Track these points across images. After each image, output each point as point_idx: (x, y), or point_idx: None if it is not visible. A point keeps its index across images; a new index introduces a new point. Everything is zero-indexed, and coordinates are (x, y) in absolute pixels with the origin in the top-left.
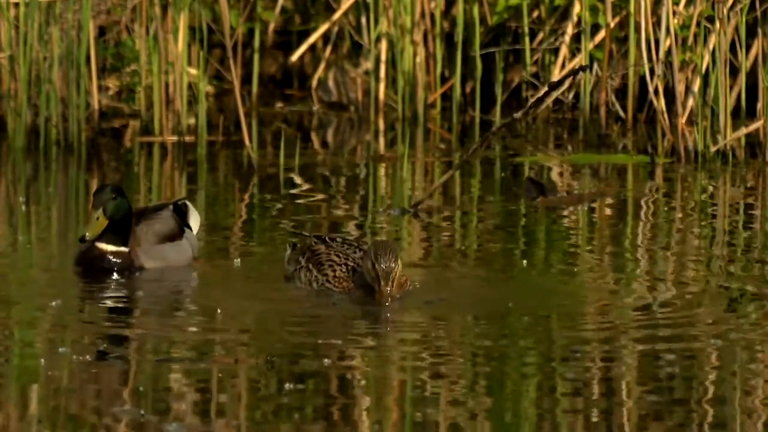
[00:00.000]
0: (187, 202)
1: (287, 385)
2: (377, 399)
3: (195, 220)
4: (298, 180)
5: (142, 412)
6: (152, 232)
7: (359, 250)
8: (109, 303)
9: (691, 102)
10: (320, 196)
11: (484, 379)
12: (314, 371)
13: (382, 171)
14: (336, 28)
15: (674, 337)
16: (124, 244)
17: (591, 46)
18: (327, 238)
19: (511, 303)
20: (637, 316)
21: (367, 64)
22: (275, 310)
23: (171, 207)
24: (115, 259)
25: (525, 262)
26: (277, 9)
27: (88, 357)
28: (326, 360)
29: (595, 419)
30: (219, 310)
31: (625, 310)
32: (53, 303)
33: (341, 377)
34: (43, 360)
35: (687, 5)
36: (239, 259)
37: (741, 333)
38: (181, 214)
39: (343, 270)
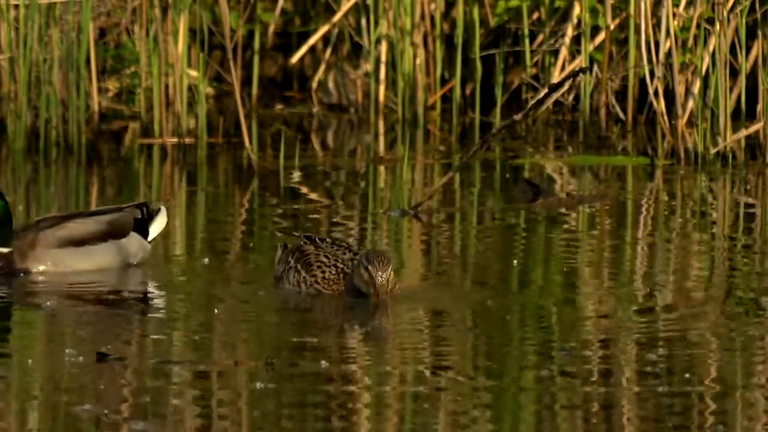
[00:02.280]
0: (162, 207)
1: (258, 384)
2: (376, 401)
3: (158, 226)
4: (298, 182)
5: (105, 411)
6: (55, 236)
7: (349, 251)
8: None
9: (691, 104)
10: (320, 198)
11: (482, 378)
12: (313, 373)
13: (381, 173)
14: (336, 30)
15: (672, 340)
16: (4, 245)
17: (591, 47)
18: (317, 239)
19: (490, 301)
20: (636, 320)
21: (367, 66)
22: (262, 312)
23: (128, 210)
24: None
25: (515, 262)
26: (277, 11)
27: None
28: (323, 362)
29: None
30: (216, 310)
31: (621, 314)
32: None
33: (338, 379)
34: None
35: (687, 7)
36: (207, 259)
37: (742, 341)
38: (145, 217)
39: (333, 272)
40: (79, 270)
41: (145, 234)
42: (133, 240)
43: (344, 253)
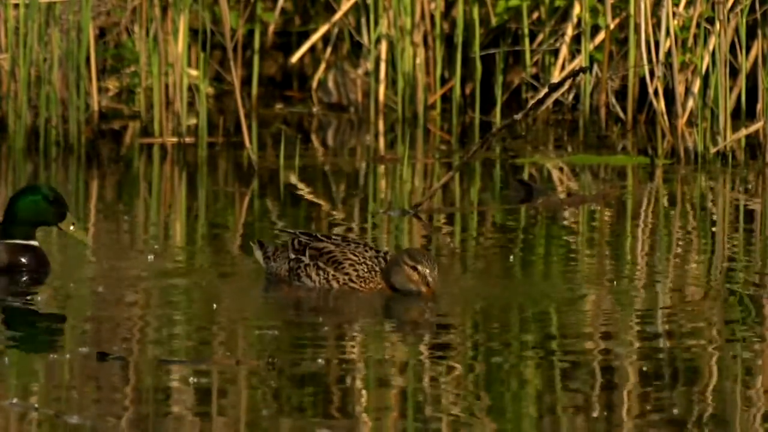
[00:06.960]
0: None
1: (192, 379)
2: (377, 399)
3: None
4: (298, 181)
5: (36, 405)
6: None
7: (369, 249)
8: None
9: (691, 103)
10: (320, 198)
11: (484, 378)
12: (314, 372)
13: (382, 172)
14: (336, 29)
15: (671, 338)
16: None
17: (591, 47)
18: (318, 235)
19: (490, 299)
20: (635, 319)
21: (367, 66)
22: (271, 310)
23: None
24: None
25: (512, 258)
26: (277, 10)
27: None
28: (320, 360)
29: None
30: (215, 305)
31: (621, 312)
32: None
33: (337, 378)
34: None
35: (687, 6)
36: (152, 256)
37: (741, 340)
38: None
39: (365, 270)
40: None
41: None
42: None
43: (366, 251)
